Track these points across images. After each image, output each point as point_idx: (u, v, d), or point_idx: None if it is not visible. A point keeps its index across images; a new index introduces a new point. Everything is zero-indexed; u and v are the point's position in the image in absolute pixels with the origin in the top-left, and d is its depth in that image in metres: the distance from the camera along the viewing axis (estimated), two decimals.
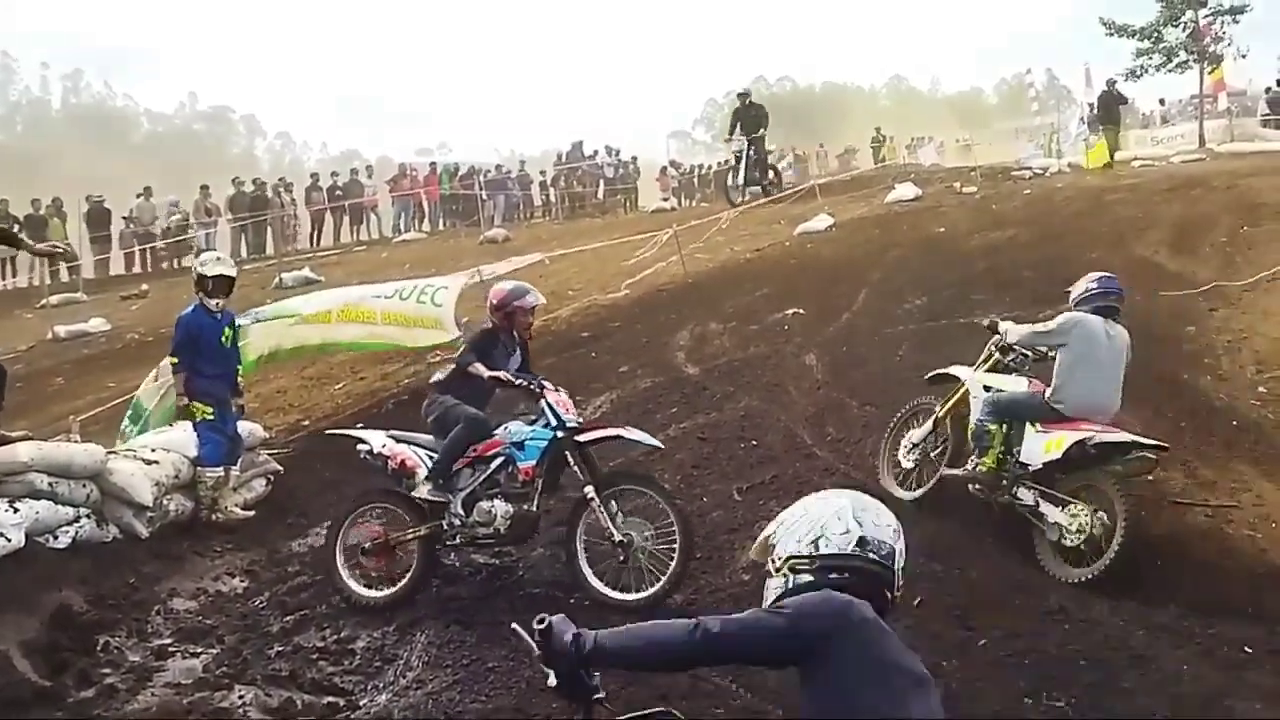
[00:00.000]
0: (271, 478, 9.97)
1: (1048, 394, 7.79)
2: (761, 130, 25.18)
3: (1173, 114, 38.07)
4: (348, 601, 7.48)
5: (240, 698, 6.31)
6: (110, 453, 8.61)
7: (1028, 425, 7.78)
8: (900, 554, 3.08)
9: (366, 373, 13.56)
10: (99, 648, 6.76)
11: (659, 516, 7.13)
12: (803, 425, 10.07)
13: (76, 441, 8.91)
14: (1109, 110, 30.35)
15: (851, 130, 52.54)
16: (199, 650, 6.78)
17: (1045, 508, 7.49)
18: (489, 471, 7.53)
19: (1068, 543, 7.29)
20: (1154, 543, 7.60)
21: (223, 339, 9.54)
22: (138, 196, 30.52)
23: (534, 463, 7.40)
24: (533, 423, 7.53)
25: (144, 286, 24.91)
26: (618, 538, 7.06)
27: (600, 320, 14.38)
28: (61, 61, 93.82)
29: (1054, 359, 7.90)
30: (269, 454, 10.19)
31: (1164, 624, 6.56)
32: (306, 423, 11.75)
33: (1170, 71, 32.00)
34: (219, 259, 9.80)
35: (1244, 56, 32.88)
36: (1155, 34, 31.73)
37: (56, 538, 7.86)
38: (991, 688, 5.98)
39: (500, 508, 7.36)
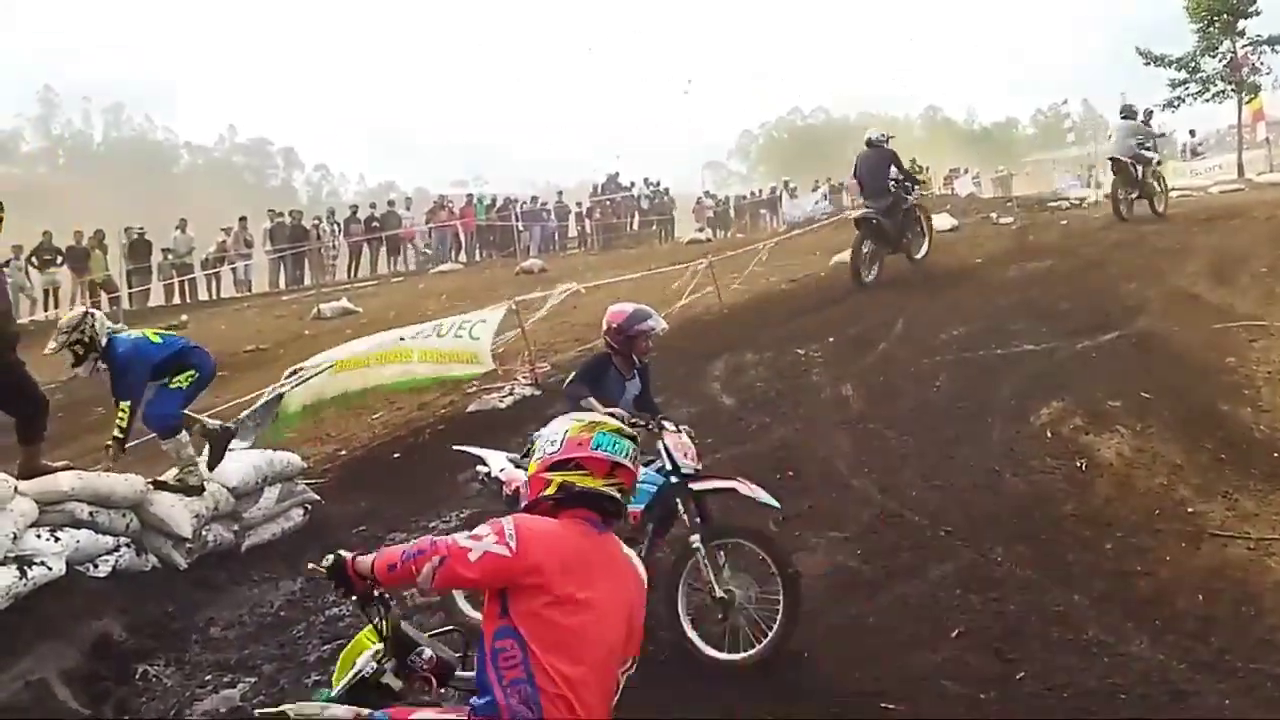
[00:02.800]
0: (309, 507, 10.00)
1: None
2: None
3: (1209, 144, 37.90)
4: (459, 625, 7.42)
5: None
6: (149, 482, 8.68)
7: None
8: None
9: (403, 403, 13.61)
10: (138, 676, 6.81)
11: (767, 578, 6.65)
12: (839, 456, 10.03)
13: (116, 471, 8.97)
14: None
15: None
16: (237, 679, 6.81)
17: None
18: None
19: None
20: (1195, 575, 7.53)
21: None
22: (176, 229, 30.88)
23: (642, 508, 6.94)
24: (648, 464, 7.05)
25: (183, 317, 25.09)
26: (719, 593, 6.66)
27: None
28: (103, 96, 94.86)
29: None
30: (306, 484, 10.23)
31: (1205, 659, 6.48)
32: (344, 453, 11.80)
33: (1208, 101, 31.88)
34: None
35: None
36: (1193, 64, 31.60)
37: (96, 566, 7.91)
38: None
39: None
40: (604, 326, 7.85)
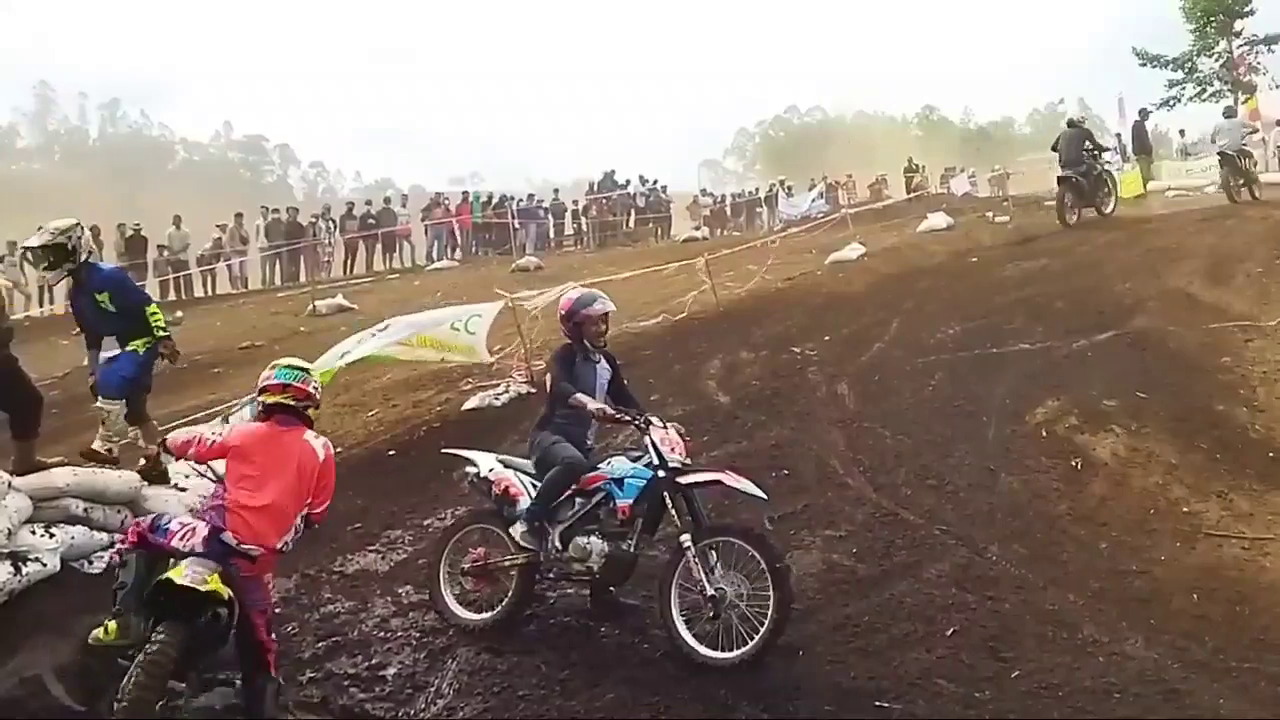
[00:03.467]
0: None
1: None
2: None
3: (1204, 144, 37.99)
4: (446, 621, 7.43)
5: None
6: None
7: None
8: None
9: (399, 400, 13.59)
10: None
11: (758, 576, 6.58)
12: (835, 454, 10.03)
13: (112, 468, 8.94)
14: (1141, 140, 30.32)
15: (883, 160, 52.44)
16: (231, 676, 6.78)
17: None
18: (589, 506, 7.22)
19: None
20: (1190, 575, 7.55)
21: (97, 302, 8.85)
22: (171, 225, 30.88)
23: (631, 502, 7.05)
24: (637, 459, 7.20)
25: (179, 314, 25.05)
26: (710, 592, 6.63)
27: (632, 348, 14.31)
28: (99, 91, 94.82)
29: None
30: None
31: (1199, 658, 6.49)
32: (339, 450, 11.72)
33: (1204, 101, 31.89)
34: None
35: (1279, 86, 32.73)
36: (1189, 64, 31.63)
37: (91, 563, 7.88)
38: None
39: (596, 545, 7.06)
40: (558, 314, 7.89)
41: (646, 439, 7.13)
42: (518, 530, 7.26)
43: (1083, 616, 7.05)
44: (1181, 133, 38.88)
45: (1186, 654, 6.54)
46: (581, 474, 7.25)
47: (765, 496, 7.10)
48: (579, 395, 7.34)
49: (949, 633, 6.84)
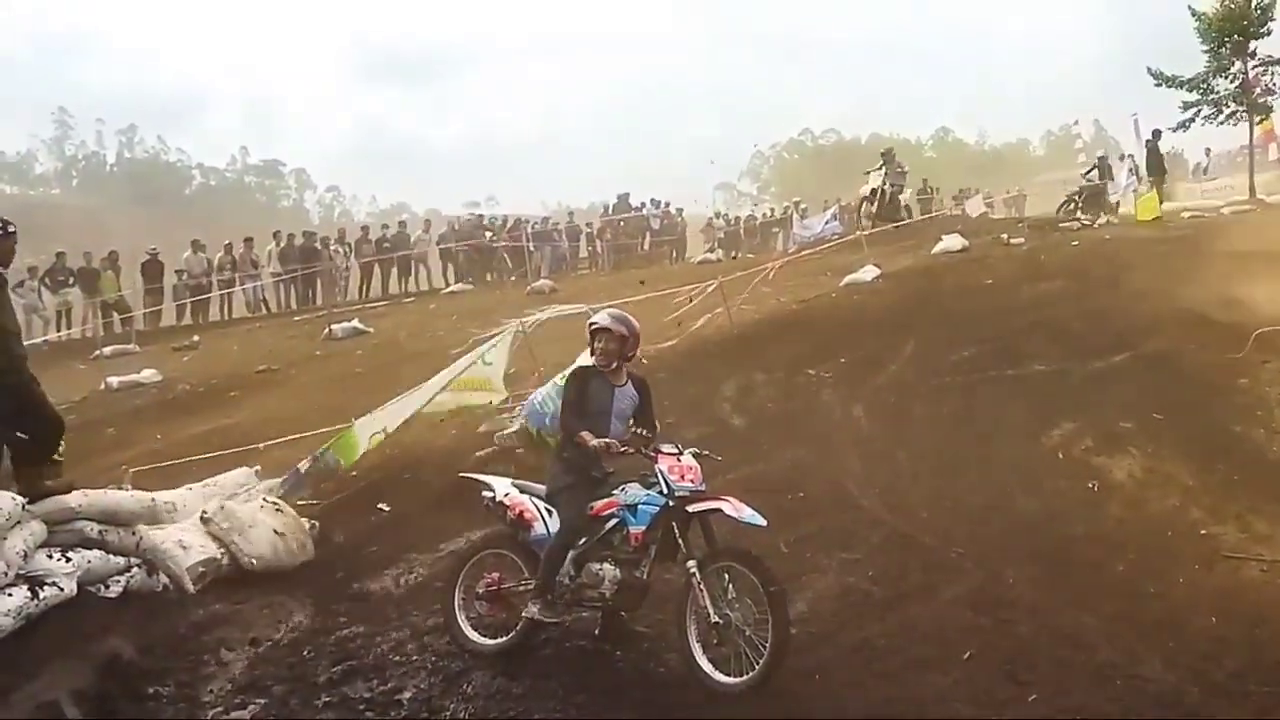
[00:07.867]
0: (315, 524, 9.94)
1: None
2: None
3: (1222, 165, 37.90)
4: (460, 647, 7.39)
5: None
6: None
7: None
8: None
9: (415, 422, 13.61)
10: (148, 697, 6.79)
11: (762, 600, 6.56)
12: (849, 477, 10.02)
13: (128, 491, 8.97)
14: (1155, 162, 30.30)
15: None
16: (247, 701, 6.80)
17: None
18: (602, 532, 7.19)
19: None
20: (1208, 597, 7.50)
21: None
22: (189, 250, 31.02)
23: (644, 529, 7.01)
24: (651, 485, 7.11)
25: (195, 338, 25.21)
26: (714, 619, 6.61)
27: (646, 371, 14.25)
28: (116, 117, 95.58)
29: None
30: (316, 503, 10.21)
31: (1218, 682, 6.45)
32: (355, 473, 11.78)
33: (1220, 123, 31.75)
34: None
35: None
36: (1204, 85, 31.52)
37: (108, 587, 7.91)
38: None
39: (609, 572, 7.04)
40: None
41: (656, 467, 7.07)
42: (532, 612, 7.14)
43: (1100, 639, 7.01)
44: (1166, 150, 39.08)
45: (1205, 677, 6.50)
46: (582, 533, 7.21)
47: (764, 523, 6.92)
48: (582, 434, 7.23)
49: (965, 656, 6.81)
